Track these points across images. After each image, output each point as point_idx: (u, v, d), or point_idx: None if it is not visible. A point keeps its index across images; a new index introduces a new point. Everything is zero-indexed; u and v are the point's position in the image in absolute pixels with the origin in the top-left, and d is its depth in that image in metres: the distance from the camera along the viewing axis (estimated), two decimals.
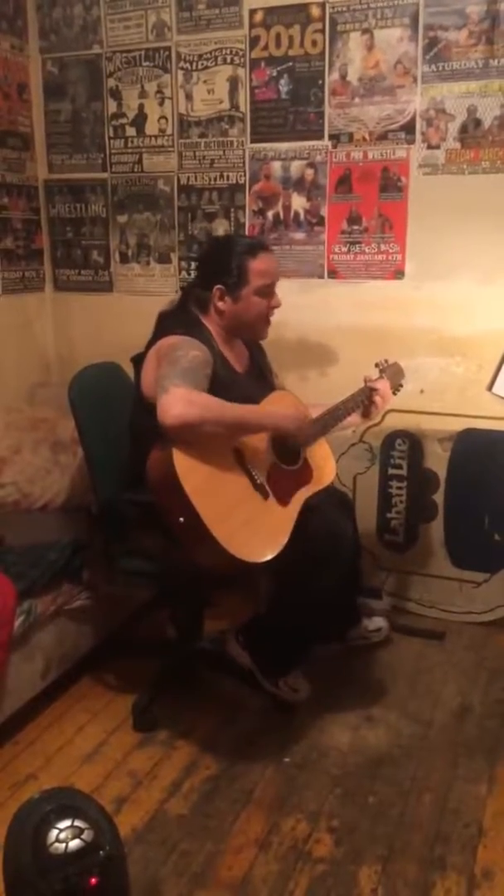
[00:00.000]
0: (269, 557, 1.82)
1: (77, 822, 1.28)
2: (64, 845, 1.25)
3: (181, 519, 1.76)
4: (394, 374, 2.34)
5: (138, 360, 2.04)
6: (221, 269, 2.05)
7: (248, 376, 2.16)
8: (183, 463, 1.76)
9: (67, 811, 1.30)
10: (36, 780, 1.92)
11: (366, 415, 2.26)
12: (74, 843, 1.26)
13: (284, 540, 1.88)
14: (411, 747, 2.05)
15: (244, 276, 2.04)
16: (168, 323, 2.05)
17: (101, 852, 1.26)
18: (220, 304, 2.06)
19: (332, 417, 2.16)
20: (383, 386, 2.26)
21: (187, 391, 1.79)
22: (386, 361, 2.33)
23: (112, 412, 2.14)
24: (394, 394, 2.33)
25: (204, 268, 2.16)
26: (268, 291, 2.08)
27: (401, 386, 2.37)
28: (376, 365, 2.32)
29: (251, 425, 1.94)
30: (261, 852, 1.70)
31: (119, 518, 2.07)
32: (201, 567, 1.85)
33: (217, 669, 2.30)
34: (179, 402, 1.75)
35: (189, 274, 2.86)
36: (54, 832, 1.26)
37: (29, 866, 1.24)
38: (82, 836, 1.26)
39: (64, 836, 1.26)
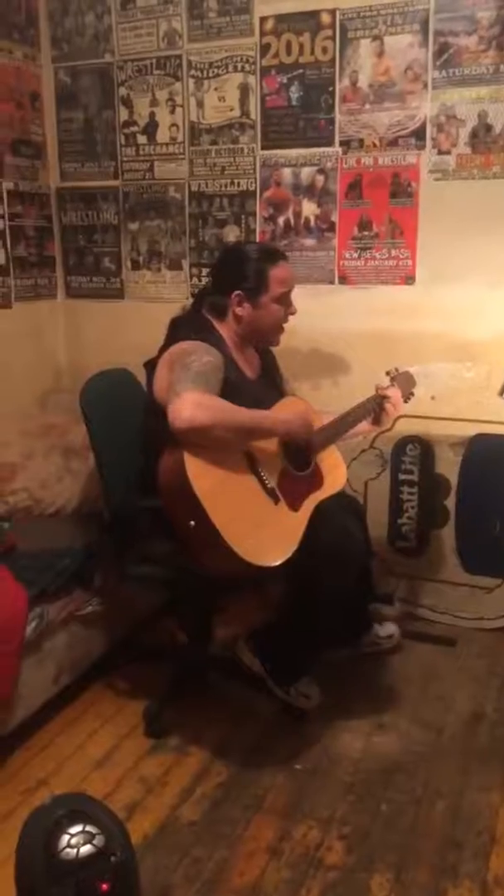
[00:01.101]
0: (279, 562, 1.82)
1: (88, 828, 1.28)
2: (75, 851, 1.25)
3: (192, 523, 1.76)
4: (405, 382, 2.33)
5: (151, 366, 2.05)
6: (240, 276, 2.07)
7: (259, 382, 2.17)
8: (194, 466, 1.77)
9: (79, 816, 1.30)
10: (47, 785, 1.92)
11: (376, 422, 2.26)
12: (86, 849, 1.26)
13: (294, 545, 1.88)
14: (423, 754, 2.04)
15: (264, 284, 2.05)
16: (181, 328, 2.06)
17: (112, 858, 1.27)
18: (238, 310, 2.06)
19: (343, 424, 2.17)
20: (395, 394, 2.25)
21: (199, 395, 1.79)
22: (397, 370, 2.32)
23: (123, 418, 2.15)
24: (405, 402, 2.32)
25: (221, 274, 2.16)
26: (286, 300, 2.10)
27: (412, 394, 2.36)
28: (387, 373, 2.31)
29: (261, 430, 1.95)
30: (272, 859, 1.69)
31: (130, 524, 2.07)
32: (211, 571, 1.85)
33: (228, 675, 2.30)
34: (191, 405, 1.76)
35: (200, 280, 2.87)
36: (66, 837, 1.26)
37: (41, 871, 1.24)
38: (94, 842, 1.27)
39: (75, 841, 1.26)
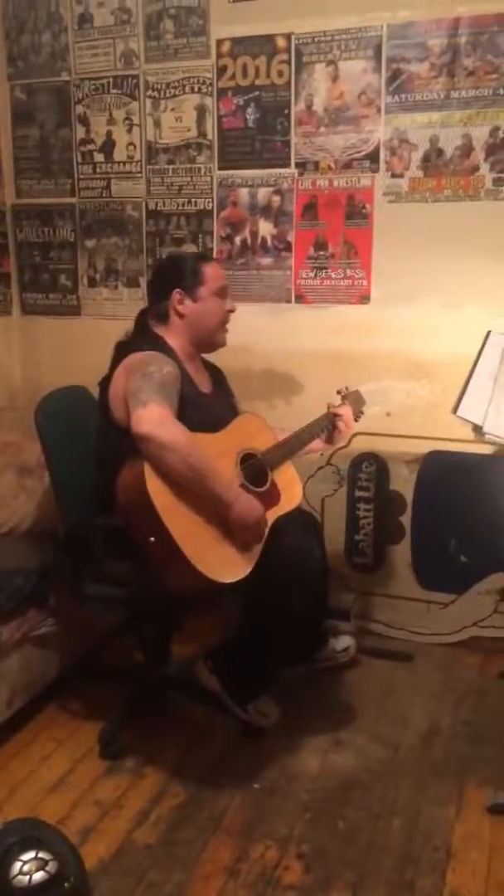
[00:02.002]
0: (238, 578, 1.82)
1: (41, 854, 1.26)
2: (28, 878, 1.23)
3: (152, 539, 1.75)
4: (355, 401, 2.39)
5: (105, 383, 2.04)
6: (177, 275, 2.12)
7: (213, 397, 2.18)
8: (154, 482, 1.77)
9: (31, 843, 1.28)
10: (0, 811, 1.88)
11: (329, 441, 2.32)
12: (38, 875, 1.24)
13: (253, 561, 1.88)
14: (380, 771, 2.04)
15: (200, 278, 2.10)
16: (130, 346, 2.06)
17: (65, 884, 1.24)
18: (180, 308, 2.09)
19: (298, 441, 2.20)
20: (346, 412, 2.31)
21: (167, 413, 1.81)
22: (347, 388, 2.38)
23: (79, 436, 2.13)
24: (356, 420, 2.37)
25: (157, 283, 2.20)
26: (224, 293, 2.15)
27: (362, 413, 2.42)
28: (338, 392, 2.36)
29: (206, 487, 1.82)
30: (230, 880, 1.68)
31: (86, 543, 2.05)
32: (170, 587, 1.84)
33: (185, 695, 2.28)
34: (156, 419, 1.78)
35: None
36: (18, 864, 1.24)
37: None
38: (46, 868, 1.24)
39: (28, 868, 1.24)
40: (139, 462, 1.79)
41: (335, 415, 2.28)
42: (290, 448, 2.17)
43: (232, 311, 2.17)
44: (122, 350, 2.06)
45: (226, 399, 2.27)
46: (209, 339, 2.17)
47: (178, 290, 2.09)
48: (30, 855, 1.25)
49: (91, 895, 1.35)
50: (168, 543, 1.74)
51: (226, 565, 1.82)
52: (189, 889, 1.65)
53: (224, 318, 2.16)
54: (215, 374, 2.28)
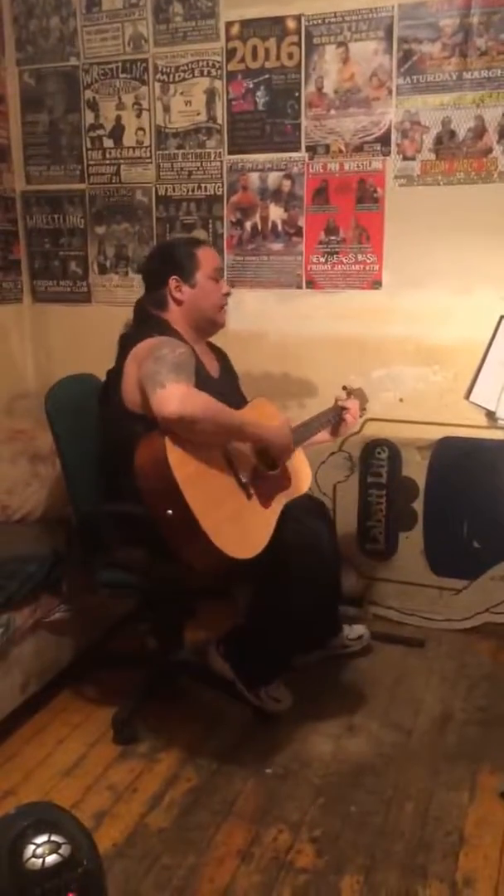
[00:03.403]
0: (252, 555, 1.82)
1: (54, 837, 1.27)
2: (41, 860, 1.23)
3: (169, 511, 1.75)
4: (359, 397, 2.44)
5: (114, 373, 2.03)
6: (172, 263, 2.13)
7: (221, 381, 2.19)
8: (175, 454, 1.76)
9: (45, 826, 1.28)
10: (15, 795, 1.90)
11: (334, 433, 2.35)
12: (52, 859, 1.24)
13: (266, 539, 1.89)
14: (393, 756, 2.05)
15: (194, 262, 2.12)
16: (136, 335, 2.05)
17: (79, 867, 1.25)
18: (178, 295, 2.11)
19: (308, 429, 2.24)
20: (353, 406, 2.35)
21: (186, 387, 1.81)
22: (350, 385, 2.43)
23: (90, 423, 2.13)
24: (360, 415, 2.41)
25: (152, 271, 2.20)
26: (217, 276, 2.16)
27: (364, 409, 2.45)
28: (343, 387, 2.40)
29: (244, 434, 1.96)
30: (243, 864, 1.69)
31: (98, 529, 2.06)
32: (184, 563, 1.83)
33: (198, 680, 2.29)
34: (178, 396, 1.77)
35: None
36: (31, 847, 1.24)
37: (6, 882, 1.22)
38: (60, 851, 1.25)
39: (41, 851, 1.24)
40: (158, 437, 1.78)
41: (342, 408, 2.33)
42: (300, 435, 2.18)
43: (227, 293, 2.20)
44: (128, 342, 2.05)
45: (233, 383, 2.29)
46: (208, 321, 2.18)
47: (174, 276, 2.10)
48: (43, 838, 1.26)
49: (104, 879, 1.36)
50: (186, 515, 1.73)
51: (240, 541, 1.83)
52: (202, 873, 1.66)
53: (221, 301, 2.18)
54: (221, 357, 2.29)
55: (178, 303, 2.12)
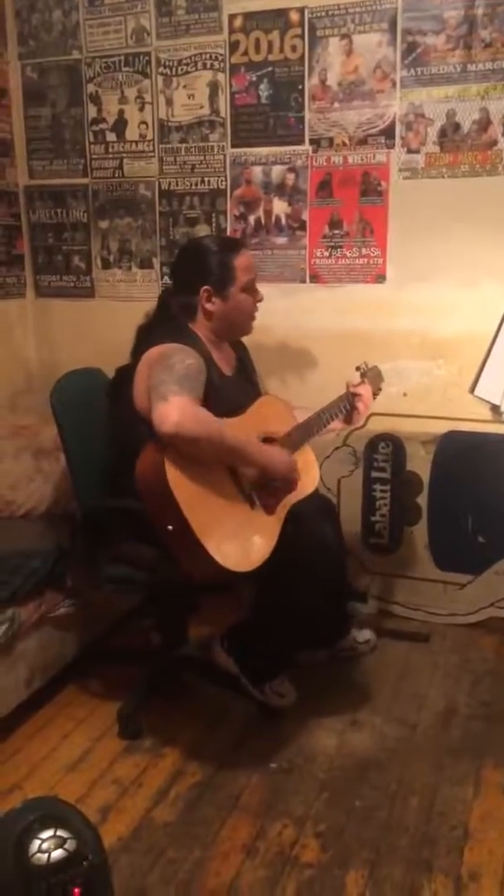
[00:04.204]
0: (254, 567, 1.82)
1: (60, 832, 1.26)
2: (46, 855, 1.23)
3: (169, 527, 1.75)
4: (374, 378, 2.34)
5: (124, 371, 2.02)
6: (205, 271, 2.05)
7: (235, 379, 2.16)
8: (174, 472, 1.75)
9: (50, 821, 1.28)
10: (21, 790, 1.90)
11: (348, 420, 2.26)
12: (57, 853, 1.24)
13: (270, 548, 1.88)
14: (397, 750, 2.05)
15: (230, 274, 2.04)
16: (153, 333, 2.03)
17: (84, 862, 1.25)
18: (208, 306, 2.05)
19: (317, 423, 2.17)
20: (365, 391, 2.25)
21: (187, 402, 1.78)
22: (366, 364, 2.32)
23: (94, 418, 2.13)
24: (374, 397, 2.32)
25: (183, 273, 2.15)
26: (252, 287, 2.10)
27: (380, 390, 2.37)
28: (357, 368, 2.31)
29: (242, 459, 1.91)
30: (248, 858, 1.69)
31: (102, 525, 2.06)
32: (187, 573, 1.84)
33: (202, 675, 2.29)
34: (179, 412, 1.74)
35: (171, 279, 2.85)
36: (37, 842, 1.24)
37: (11, 877, 1.22)
38: (65, 846, 1.25)
39: (46, 846, 1.24)
40: (158, 453, 1.77)
41: (354, 395, 2.23)
42: (308, 431, 2.15)
43: (260, 300, 2.13)
44: (145, 335, 2.04)
45: (248, 380, 2.25)
46: (236, 331, 2.15)
47: (206, 287, 2.04)
48: (48, 833, 1.26)
49: (110, 873, 1.36)
50: (186, 533, 1.73)
51: (243, 555, 1.83)
52: (207, 867, 1.67)
53: (252, 311, 2.13)
54: (240, 352, 2.25)
55: (209, 315, 2.06)
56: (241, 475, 1.93)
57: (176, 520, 1.73)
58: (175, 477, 1.75)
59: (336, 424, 2.25)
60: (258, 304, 2.14)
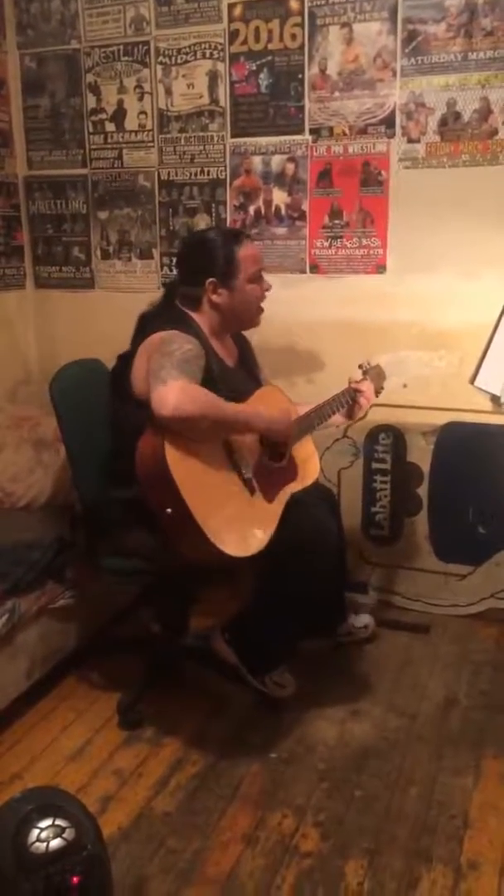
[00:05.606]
0: (252, 553, 1.82)
1: (58, 821, 1.27)
2: (45, 844, 1.24)
3: (168, 510, 1.75)
4: (376, 376, 2.35)
5: (124, 358, 2.02)
6: (210, 262, 2.05)
7: (237, 370, 2.16)
8: (174, 454, 1.76)
9: (49, 810, 1.29)
10: (21, 780, 1.91)
11: (349, 415, 2.27)
12: (56, 843, 1.25)
13: (269, 536, 1.88)
14: (397, 740, 2.05)
15: (235, 266, 2.04)
16: (153, 321, 2.03)
17: (83, 851, 1.25)
18: (214, 298, 2.05)
19: (318, 416, 2.18)
20: (367, 387, 2.25)
21: (186, 384, 1.78)
22: (368, 363, 2.32)
23: (94, 409, 2.13)
24: (376, 395, 2.32)
25: (188, 264, 2.14)
26: (258, 277, 2.09)
27: (382, 388, 2.37)
28: (360, 366, 2.31)
29: (245, 425, 1.94)
30: (247, 848, 1.70)
31: (103, 515, 2.06)
32: (186, 558, 1.84)
33: (203, 666, 2.29)
34: (176, 393, 1.74)
35: (171, 270, 2.84)
36: (35, 832, 1.25)
37: (10, 866, 1.23)
38: (64, 836, 1.25)
39: (45, 835, 1.25)
40: (157, 436, 1.78)
41: (356, 390, 2.23)
42: (309, 423, 2.15)
43: (268, 289, 2.13)
44: (146, 323, 2.04)
45: (250, 371, 2.25)
46: (243, 322, 2.15)
47: (211, 279, 2.03)
48: (47, 822, 1.26)
49: (109, 863, 1.37)
50: (186, 516, 1.73)
51: (242, 540, 1.83)
52: (207, 856, 1.67)
53: (259, 301, 2.12)
54: (242, 344, 2.25)
55: (214, 306, 2.06)
56: (240, 461, 1.93)
57: (175, 503, 1.73)
58: (175, 460, 1.75)
59: (337, 418, 2.26)
60: (266, 294, 2.13)
